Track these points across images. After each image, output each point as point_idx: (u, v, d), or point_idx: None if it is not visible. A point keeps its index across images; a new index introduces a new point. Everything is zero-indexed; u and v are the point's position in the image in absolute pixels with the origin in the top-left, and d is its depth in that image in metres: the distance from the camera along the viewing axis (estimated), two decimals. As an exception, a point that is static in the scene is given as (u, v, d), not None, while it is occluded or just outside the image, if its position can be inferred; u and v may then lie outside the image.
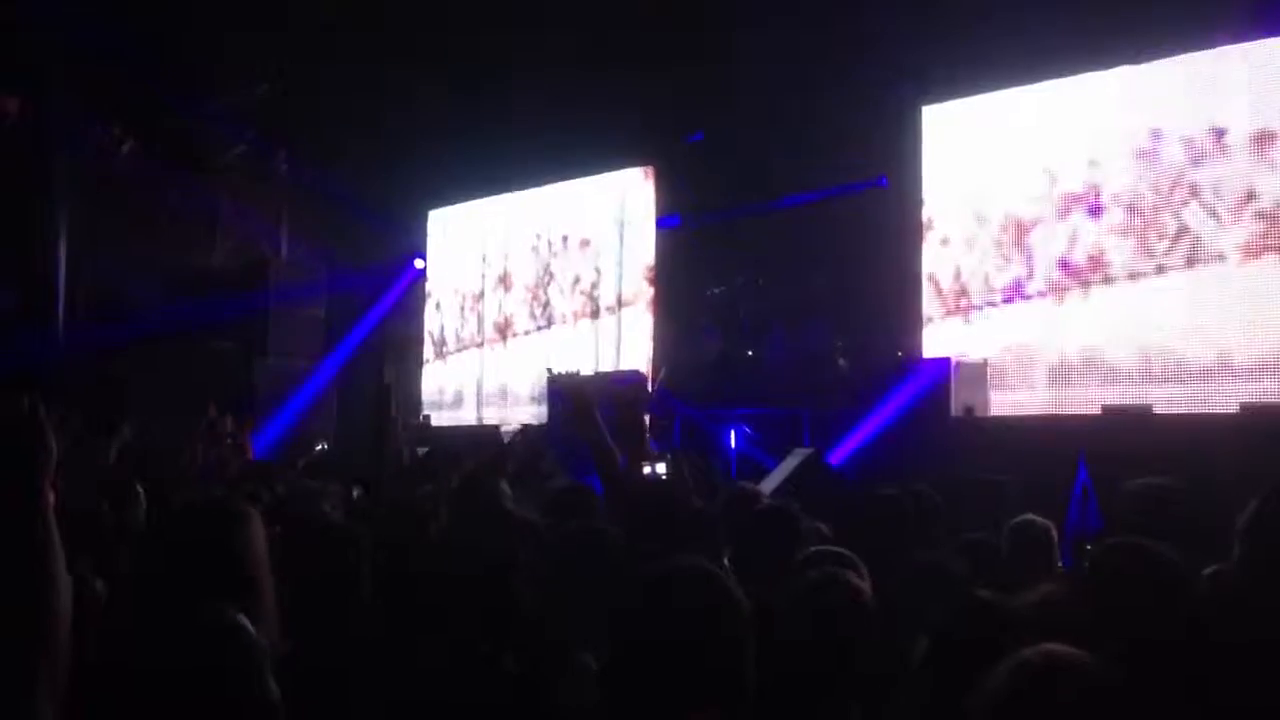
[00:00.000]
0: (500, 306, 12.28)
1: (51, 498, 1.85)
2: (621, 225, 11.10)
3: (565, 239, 11.68)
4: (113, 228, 10.90)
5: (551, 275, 11.78)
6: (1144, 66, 7.76)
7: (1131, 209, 7.80)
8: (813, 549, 3.20)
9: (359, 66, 9.96)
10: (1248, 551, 2.65)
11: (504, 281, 12.27)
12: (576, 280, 11.53)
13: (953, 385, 7.63)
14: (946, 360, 7.86)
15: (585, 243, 11.48)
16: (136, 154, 10.90)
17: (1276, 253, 7.11)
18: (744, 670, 1.94)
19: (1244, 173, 7.28)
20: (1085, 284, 7.97)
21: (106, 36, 9.19)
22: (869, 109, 8.82)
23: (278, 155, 12.08)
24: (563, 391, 3.60)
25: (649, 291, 10.76)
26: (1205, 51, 7.48)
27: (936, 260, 8.86)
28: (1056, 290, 8.12)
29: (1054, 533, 4.07)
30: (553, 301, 11.74)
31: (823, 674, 2.41)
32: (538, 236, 11.94)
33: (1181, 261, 7.52)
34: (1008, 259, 8.44)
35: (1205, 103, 7.48)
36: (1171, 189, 7.60)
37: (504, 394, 12.00)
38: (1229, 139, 7.37)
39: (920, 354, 8.61)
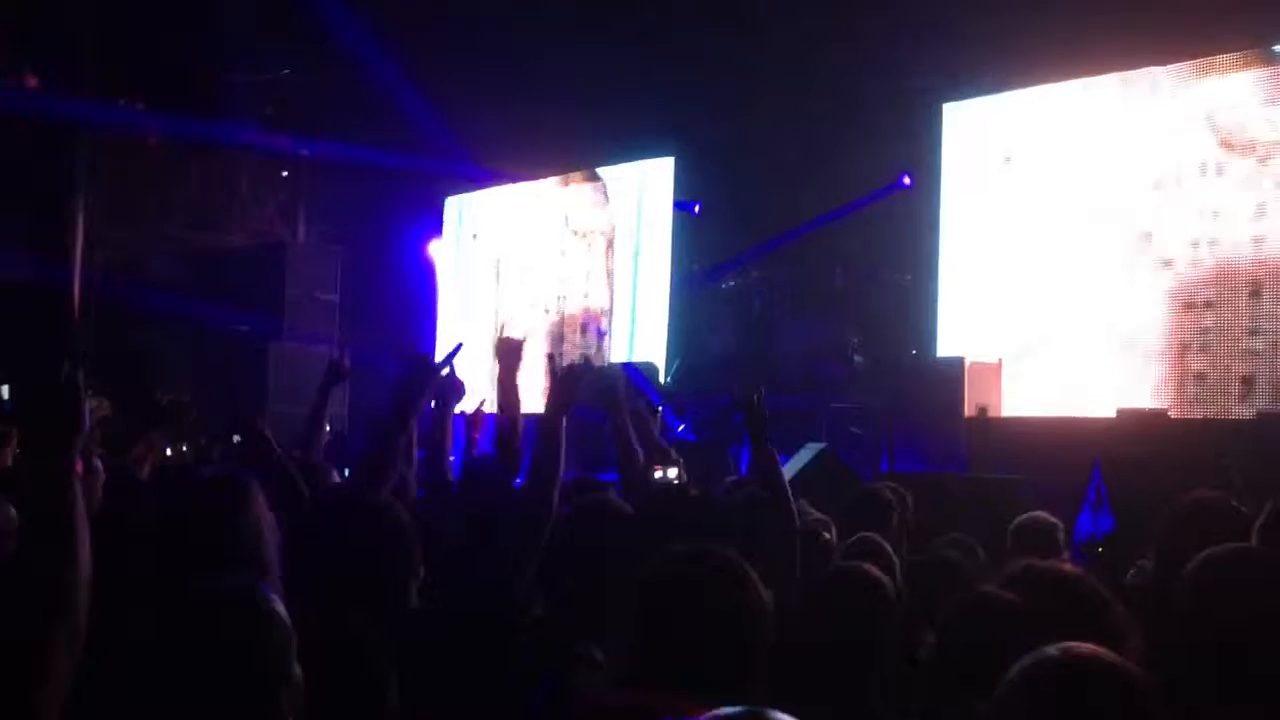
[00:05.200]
0: (513, 295, 12.27)
1: (79, 468, 1.86)
2: (639, 217, 11.09)
3: (581, 230, 11.67)
4: (130, 204, 10.94)
5: (565, 265, 11.77)
6: (1170, 68, 7.72)
7: (1149, 208, 7.76)
8: (854, 538, 3.22)
9: (380, 51, 9.96)
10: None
11: (516, 270, 12.26)
12: (589, 272, 11.52)
13: (966, 385, 7.61)
14: (960, 359, 7.84)
15: (601, 233, 11.47)
16: (159, 137, 10.94)
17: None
18: (761, 660, 1.94)
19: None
20: (1106, 283, 7.93)
21: (133, 13, 9.22)
22: (890, 105, 8.78)
23: (297, 138, 12.11)
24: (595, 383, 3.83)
25: (664, 284, 10.74)
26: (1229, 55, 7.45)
27: (954, 258, 8.82)
28: (1077, 290, 8.08)
29: (1059, 531, 4.07)
30: (566, 292, 11.73)
31: (843, 667, 2.40)
32: (553, 226, 11.92)
33: (1195, 267, 7.49)
34: (1027, 260, 8.39)
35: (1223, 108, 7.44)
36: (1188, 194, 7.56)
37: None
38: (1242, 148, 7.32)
39: (935, 352, 8.58)
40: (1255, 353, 7.22)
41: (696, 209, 10.24)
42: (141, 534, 2.59)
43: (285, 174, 12.44)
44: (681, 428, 8.74)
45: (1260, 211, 7.23)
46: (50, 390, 1.86)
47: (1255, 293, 7.23)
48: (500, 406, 4.13)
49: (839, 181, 9.02)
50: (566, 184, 11.79)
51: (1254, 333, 7.21)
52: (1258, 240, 7.24)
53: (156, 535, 2.47)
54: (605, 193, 11.44)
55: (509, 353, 4.13)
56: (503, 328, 3.88)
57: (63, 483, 1.82)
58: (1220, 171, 7.43)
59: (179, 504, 2.50)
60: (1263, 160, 7.25)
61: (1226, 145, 7.40)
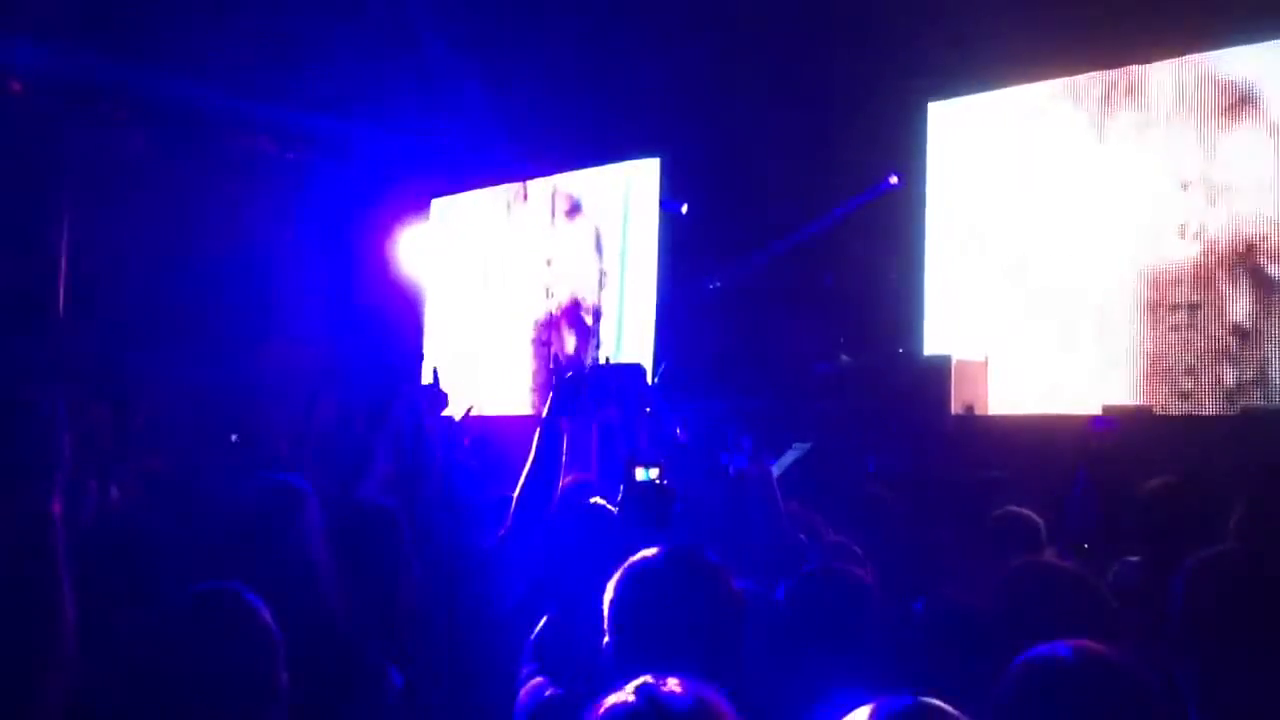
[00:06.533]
0: (497, 298, 12.27)
1: (59, 504, 1.80)
2: (625, 218, 11.10)
3: (565, 229, 11.67)
4: (116, 206, 10.90)
5: (551, 267, 11.78)
6: (1155, 65, 7.77)
7: (1137, 210, 7.80)
8: (832, 541, 3.24)
9: (366, 51, 9.95)
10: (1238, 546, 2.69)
11: (501, 273, 12.26)
12: (577, 274, 11.52)
13: (952, 383, 7.64)
14: (946, 358, 7.87)
15: (587, 234, 11.48)
16: (146, 139, 10.91)
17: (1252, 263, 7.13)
18: (736, 651, 1.97)
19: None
20: (1092, 280, 7.97)
21: (121, 14, 9.17)
22: (874, 104, 8.80)
23: (285, 139, 12.08)
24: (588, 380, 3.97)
25: (651, 285, 10.76)
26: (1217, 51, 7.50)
27: (940, 258, 8.85)
28: (1063, 287, 8.12)
29: (1038, 524, 4.11)
30: (552, 293, 11.74)
31: (825, 664, 2.43)
32: (539, 230, 11.93)
33: (1187, 266, 7.54)
34: (1013, 259, 8.43)
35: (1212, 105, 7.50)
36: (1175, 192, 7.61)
37: (504, 389, 11.99)
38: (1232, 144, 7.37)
39: (921, 350, 8.61)
40: (1238, 354, 7.27)
41: (683, 209, 10.26)
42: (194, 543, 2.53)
43: (273, 175, 12.41)
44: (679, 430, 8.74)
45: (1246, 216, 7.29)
46: (22, 425, 1.76)
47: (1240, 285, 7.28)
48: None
49: (826, 182, 9.04)
50: (552, 188, 11.79)
51: (1238, 332, 7.26)
52: (1247, 235, 7.30)
53: (211, 543, 2.38)
54: (593, 198, 11.45)
55: (437, 398, 4.34)
56: (435, 372, 4.08)
57: (43, 518, 1.75)
58: (1204, 180, 7.49)
59: (234, 511, 2.40)
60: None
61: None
